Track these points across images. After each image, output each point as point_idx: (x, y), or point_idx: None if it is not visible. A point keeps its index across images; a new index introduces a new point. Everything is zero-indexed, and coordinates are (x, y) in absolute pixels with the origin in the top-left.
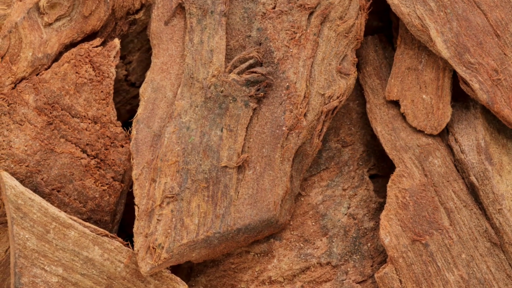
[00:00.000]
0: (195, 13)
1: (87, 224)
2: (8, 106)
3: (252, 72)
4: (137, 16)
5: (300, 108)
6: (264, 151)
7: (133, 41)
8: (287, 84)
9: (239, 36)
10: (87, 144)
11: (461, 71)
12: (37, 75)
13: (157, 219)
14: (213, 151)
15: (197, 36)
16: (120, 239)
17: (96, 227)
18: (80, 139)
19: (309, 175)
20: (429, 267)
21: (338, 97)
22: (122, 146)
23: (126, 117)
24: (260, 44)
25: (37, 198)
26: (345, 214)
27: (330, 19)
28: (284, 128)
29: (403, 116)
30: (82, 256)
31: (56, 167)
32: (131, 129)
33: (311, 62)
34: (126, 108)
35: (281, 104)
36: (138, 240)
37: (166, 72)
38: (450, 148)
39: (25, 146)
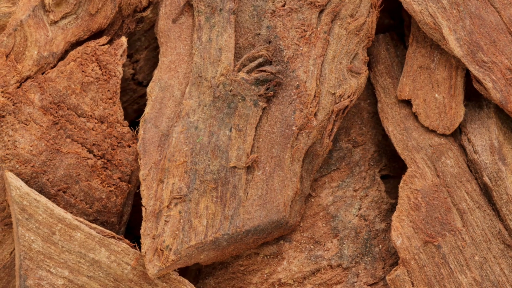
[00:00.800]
0: (203, 11)
1: (94, 225)
2: (13, 105)
3: (262, 70)
4: (144, 14)
5: (310, 107)
6: (273, 151)
7: (140, 39)
8: (297, 83)
9: (248, 34)
10: (93, 144)
11: (474, 69)
12: (42, 74)
13: (165, 221)
14: (221, 151)
15: (205, 34)
16: (127, 240)
17: (102, 228)
18: (87, 139)
19: (319, 175)
20: (442, 269)
21: (349, 96)
22: (129, 146)
23: (133, 116)
24: (269, 42)
25: (43, 199)
26: (356, 215)
27: (341, 17)
28: (294, 128)
29: (415, 116)
30: (89, 258)
31: (62, 168)
32: (138, 129)
33: (322, 61)
34: (133, 107)
35: (291, 103)
36: (146, 241)
37: (174, 71)
38: (463, 148)
39: (31, 146)
